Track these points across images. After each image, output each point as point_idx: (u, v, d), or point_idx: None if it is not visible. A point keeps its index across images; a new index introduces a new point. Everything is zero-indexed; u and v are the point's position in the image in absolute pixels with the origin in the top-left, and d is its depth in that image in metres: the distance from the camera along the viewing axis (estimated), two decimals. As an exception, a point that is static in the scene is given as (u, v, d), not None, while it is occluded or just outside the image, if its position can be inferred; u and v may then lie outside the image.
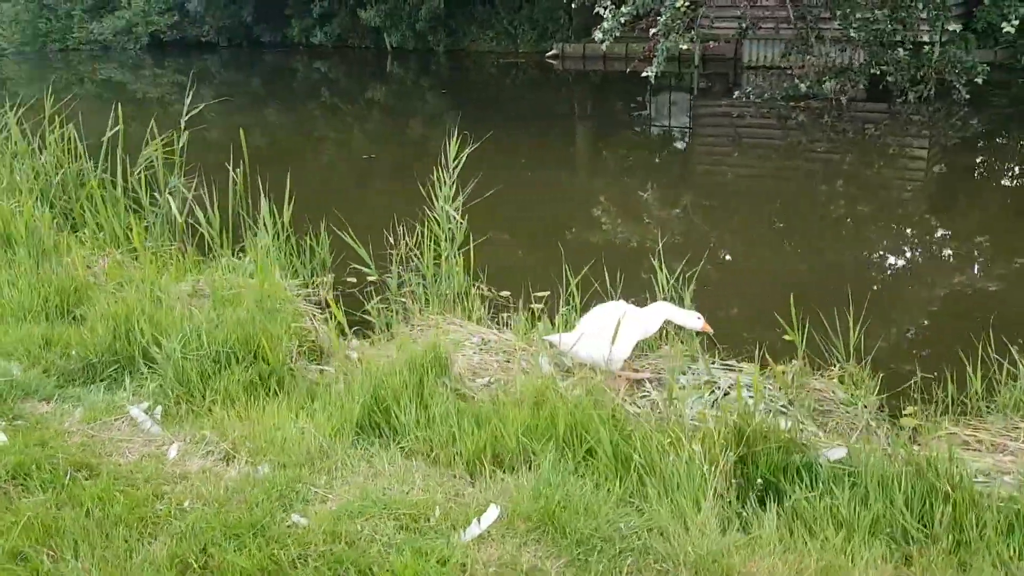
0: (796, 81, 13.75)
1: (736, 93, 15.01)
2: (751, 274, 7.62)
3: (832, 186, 11.13)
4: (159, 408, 4.07)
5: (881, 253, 8.23)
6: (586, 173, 12.58)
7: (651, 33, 12.57)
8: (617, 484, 3.30)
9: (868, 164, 12.09)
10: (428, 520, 3.05)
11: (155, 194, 7.31)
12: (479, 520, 3.01)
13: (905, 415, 4.41)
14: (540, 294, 5.80)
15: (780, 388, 4.73)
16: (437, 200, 6.17)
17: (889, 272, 7.74)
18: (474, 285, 6.14)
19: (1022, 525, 3.03)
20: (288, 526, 3.02)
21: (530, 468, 3.42)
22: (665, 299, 5.30)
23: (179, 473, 3.39)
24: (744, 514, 3.18)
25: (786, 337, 5.44)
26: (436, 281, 6.01)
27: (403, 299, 6.02)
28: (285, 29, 25.78)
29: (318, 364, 5.00)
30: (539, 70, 22.66)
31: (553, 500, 3.08)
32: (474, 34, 23.90)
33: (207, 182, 6.90)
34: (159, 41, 26.56)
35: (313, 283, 6.48)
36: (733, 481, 3.38)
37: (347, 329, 5.48)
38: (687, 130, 15.59)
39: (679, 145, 14.42)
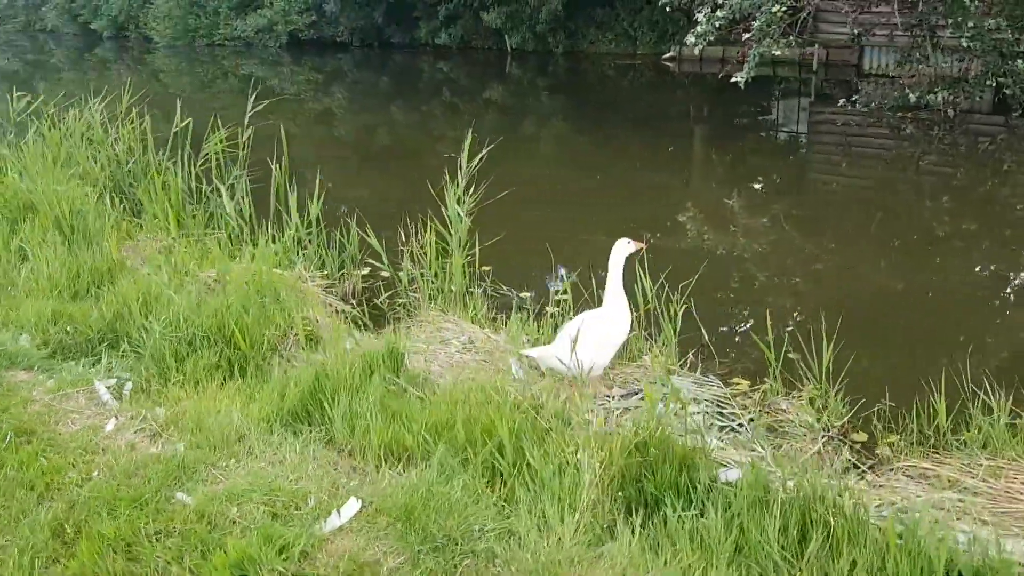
0: (906, 91, 13.03)
1: (847, 101, 14.37)
2: (815, 290, 7.30)
3: (938, 202, 10.49)
4: (128, 385, 4.38)
5: (979, 276, 7.64)
6: (694, 176, 12.32)
7: (744, 38, 12.23)
8: (500, 487, 3.32)
9: (980, 180, 11.33)
10: (300, 508, 3.17)
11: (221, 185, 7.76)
12: (339, 512, 3.11)
13: (855, 437, 4.21)
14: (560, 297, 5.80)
15: (744, 407, 4.59)
16: (446, 200, 6.28)
17: (979, 297, 7.20)
18: (480, 284, 6.24)
19: (896, 564, 2.85)
20: (170, 503, 3.21)
21: (428, 465, 3.48)
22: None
23: (105, 446, 3.65)
24: (616, 527, 3.13)
25: (790, 355, 5.28)
26: (442, 279, 6.13)
27: (414, 294, 6.18)
28: (413, 31, 26.56)
29: (313, 353, 5.22)
30: (656, 72, 22.41)
31: (417, 497, 3.13)
32: (593, 36, 23.89)
33: (316, 176, 7.08)
34: (297, 40, 27.92)
35: (340, 275, 6.74)
36: (619, 494, 3.33)
37: (365, 320, 5.74)
38: (800, 136, 15.05)
39: (789, 152, 13.92)
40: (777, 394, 4.68)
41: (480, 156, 6.58)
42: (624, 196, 10.48)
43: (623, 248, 4.84)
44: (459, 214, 6.15)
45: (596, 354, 4.63)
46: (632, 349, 5.23)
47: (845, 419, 4.41)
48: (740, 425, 4.44)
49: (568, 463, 3.34)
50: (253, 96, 7.98)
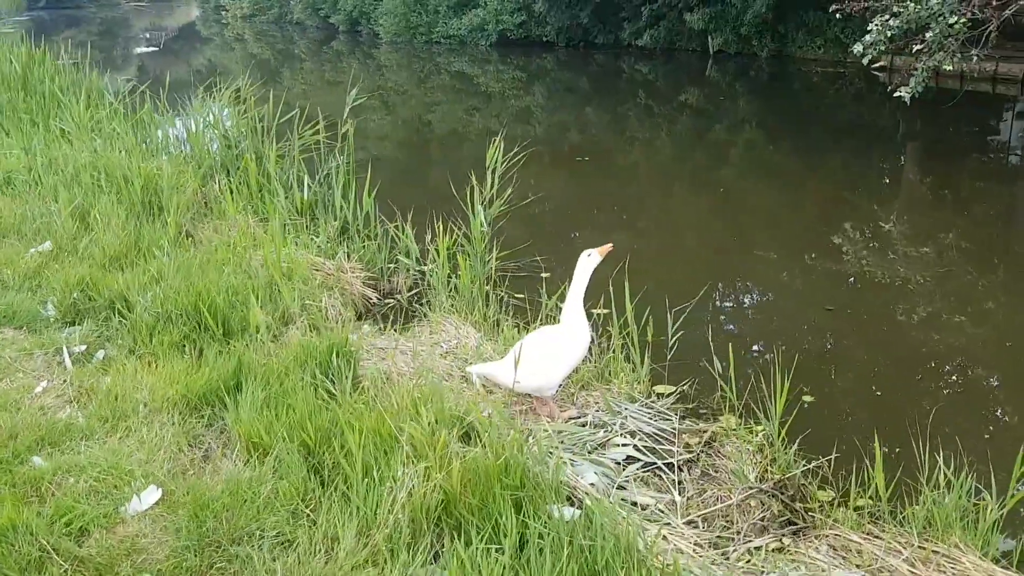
0: None
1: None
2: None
3: None
4: (101, 353, 4.72)
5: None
6: (897, 198, 11.16)
7: (914, 49, 11.05)
8: (319, 491, 3.25)
9: None
10: (119, 488, 3.28)
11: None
12: (140, 497, 3.17)
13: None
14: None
15: (687, 445, 4.20)
16: (473, 207, 6.19)
17: None
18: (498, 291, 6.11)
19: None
20: (22, 464, 3.43)
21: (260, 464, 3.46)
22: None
23: (22, 405, 3.96)
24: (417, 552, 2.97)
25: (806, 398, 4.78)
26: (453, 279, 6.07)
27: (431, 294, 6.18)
28: (618, 32, 26.35)
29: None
30: (866, 82, 20.76)
31: (222, 493, 3.13)
32: (801, 40, 22.53)
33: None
34: (506, 39, 28.57)
35: (391, 270, 6.86)
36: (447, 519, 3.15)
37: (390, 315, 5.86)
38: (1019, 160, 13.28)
39: (1020, 178, 12.35)
40: (727, 436, 4.22)
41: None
42: (813, 214, 9.80)
43: (587, 263, 4.55)
44: (483, 219, 6.05)
45: (545, 373, 4.40)
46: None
47: (781, 476, 3.90)
48: (669, 464, 4.05)
49: (392, 479, 3.20)
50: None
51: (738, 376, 4.89)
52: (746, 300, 7.41)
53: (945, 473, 3.55)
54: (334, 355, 4.32)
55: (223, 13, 48.01)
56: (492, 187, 6.35)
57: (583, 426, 4.37)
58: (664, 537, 3.41)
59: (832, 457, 3.99)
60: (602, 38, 27.04)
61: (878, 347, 6.19)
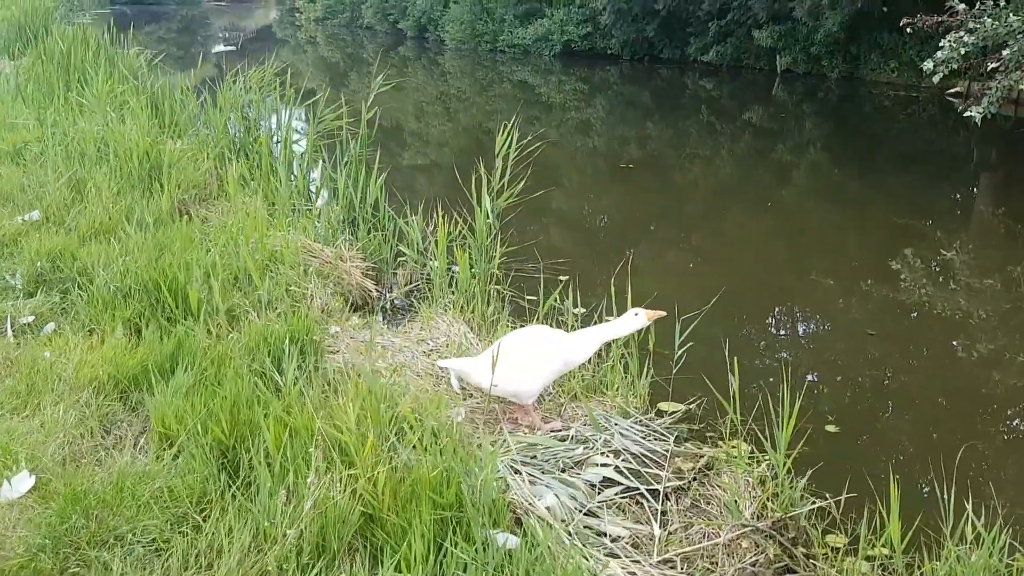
0: None
1: None
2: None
3: None
4: (50, 326, 4.36)
5: None
6: (967, 231, 10.26)
7: (989, 68, 10.27)
8: (219, 495, 2.79)
9: None
10: (3, 473, 2.86)
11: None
12: (11, 483, 2.75)
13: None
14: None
15: (678, 471, 3.64)
16: (481, 202, 5.71)
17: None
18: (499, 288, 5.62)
19: None
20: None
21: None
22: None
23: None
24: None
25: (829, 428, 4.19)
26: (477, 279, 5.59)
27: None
28: (684, 47, 25.75)
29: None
30: (939, 108, 19.78)
31: (98, 486, 2.69)
32: (874, 62, 21.62)
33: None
34: (570, 50, 28.16)
35: (394, 261, 6.43)
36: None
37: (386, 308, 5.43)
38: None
39: None
40: (727, 463, 3.64)
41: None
42: (875, 240, 9.06)
43: (631, 322, 4.06)
44: (489, 210, 5.57)
45: (522, 377, 3.89)
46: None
47: (782, 514, 3.30)
48: (655, 492, 3.49)
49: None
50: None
51: (754, 400, 4.31)
52: (781, 319, 6.78)
53: (974, 524, 2.93)
54: (287, 343, 3.85)
55: (297, 15, 48.71)
56: (502, 176, 5.86)
57: (563, 440, 3.83)
58: (627, 578, 2.86)
59: (844, 497, 3.38)
60: (668, 52, 26.45)
61: (924, 381, 5.53)
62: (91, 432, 3.26)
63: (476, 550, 2.56)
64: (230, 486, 2.86)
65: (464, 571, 2.47)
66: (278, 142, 7.72)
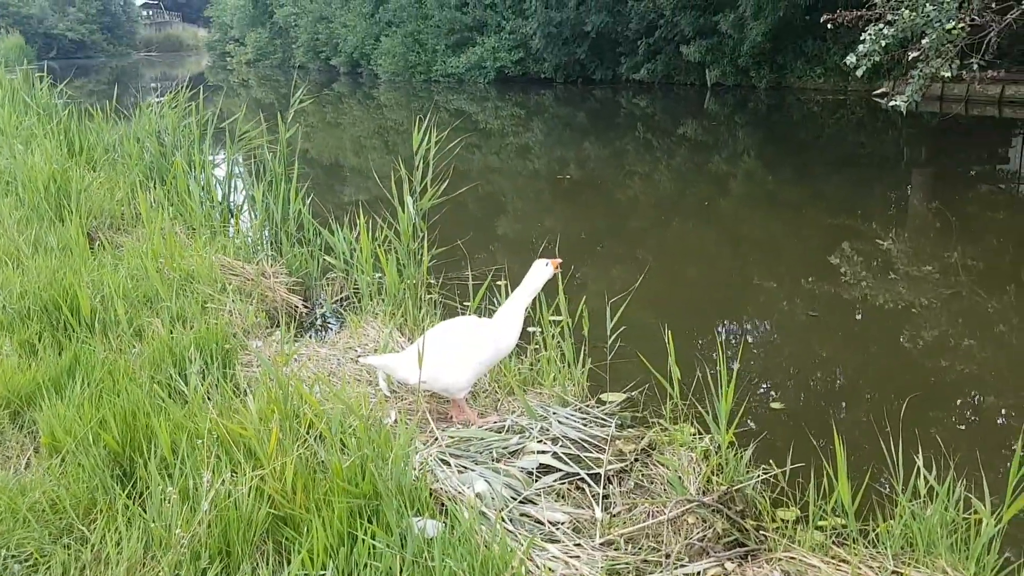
0: None
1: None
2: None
3: None
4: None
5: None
6: (902, 227, 10.05)
7: (910, 56, 10.41)
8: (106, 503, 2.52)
9: None
10: None
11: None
12: None
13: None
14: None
15: (619, 453, 3.44)
16: (403, 202, 5.51)
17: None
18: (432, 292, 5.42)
19: None
20: None
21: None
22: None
23: None
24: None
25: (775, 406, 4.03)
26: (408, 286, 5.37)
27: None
28: (616, 67, 26.05)
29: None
30: (867, 110, 20.20)
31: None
32: (800, 70, 22.06)
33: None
34: (504, 76, 28.33)
35: (320, 275, 6.19)
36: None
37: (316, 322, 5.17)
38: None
39: (1014, 207, 11.38)
40: (669, 443, 3.45)
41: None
42: (813, 240, 9.04)
43: (543, 271, 3.89)
44: (412, 211, 5.37)
45: (452, 370, 3.68)
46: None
47: (728, 487, 3.11)
48: (596, 476, 3.28)
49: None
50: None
51: (698, 384, 4.15)
52: (723, 314, 6.66)
53: (926, 479, 2.77)
54: (191, 351, 3.59)
55: (229, 59, 48.33)
56: (423, 176, 5.67)
57: (499, 432, 3.61)
58: (566, 562, 2.64)
59: (791, 467, 3.21)
60: (600, 73, 26.73)
61: (867, 359, 5.44)
62: (-26, 451, 2.97)
63: (392, 538, 2.32)
64: (123, 494, 2.59)
65: (378, 560, 2.23)
66: (195, 166, 7.44)
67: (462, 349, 3.72)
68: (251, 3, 43.79)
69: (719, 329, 6.32)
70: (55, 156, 6.83)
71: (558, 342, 4.29)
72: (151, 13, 74.65)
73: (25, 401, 3.35)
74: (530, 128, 22.60)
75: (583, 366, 4.12)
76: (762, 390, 4.73)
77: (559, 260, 3.98)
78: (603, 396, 4.32)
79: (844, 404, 4.73)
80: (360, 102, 29.86)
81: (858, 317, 6.39)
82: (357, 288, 5.81)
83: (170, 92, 8.34)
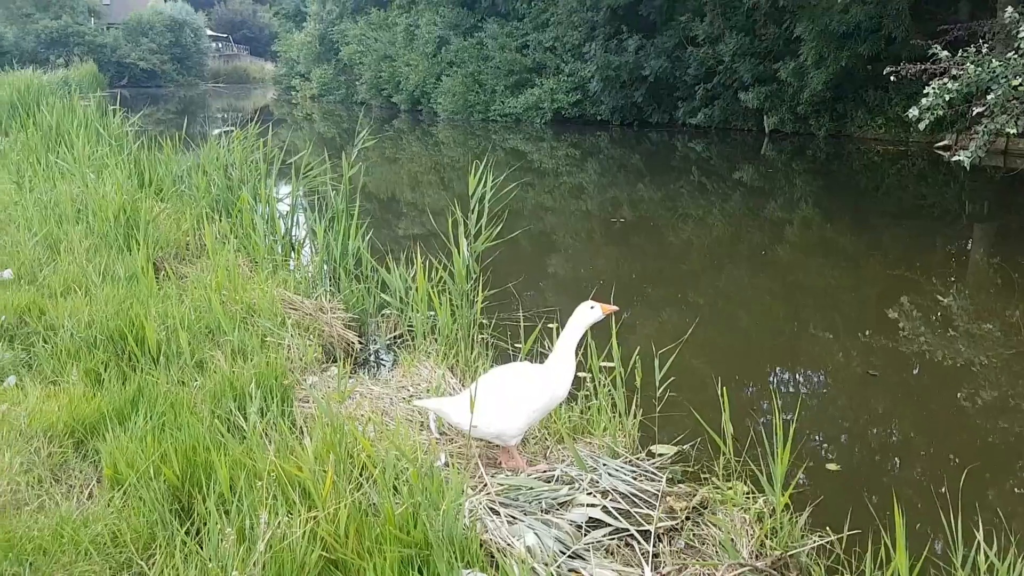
0: None
1: None
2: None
3: None
4: (12, 378, 4.17)
5: None
6: (962, 281, 9.93)
7: (974, 112, 10.27)
8: (166, 539, 2.57)
9: None
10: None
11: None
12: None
13: None
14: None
15: (670, 510, 3.40)
16: (459, 244, 5.58)
17: None
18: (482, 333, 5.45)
19: None
20: None
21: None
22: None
23: None
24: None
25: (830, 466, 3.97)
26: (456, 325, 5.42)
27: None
28: (672, 111, 26.12)
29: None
30: (928, 161, 19.89)
31: (37, 533, 2.48)
32: (861, 119, 21.85)
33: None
34: (561, 117, 28.57)
35: (361, 308, 6.26)
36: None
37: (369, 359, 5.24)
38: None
39: None
40: (722, 502, 3.41)
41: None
42: (870, 292, 8.92)
43: (587, 315, 3.89)
44: (467, 256, 5.43)
45: (505, 417, 3.69)
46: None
47: (782, 552, 3.06)
48: (645, 533, 3.25)
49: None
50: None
51: (752, 442, 4.10)
52: (778, 366, 6.57)
53: (987, 554, 2.70)
54: (252, 387, 3.66)
55: (294, 93, 49.58)
56: (479, 219, 5.74)
57: (548, 481, 3.61)
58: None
59: (847, 534, 3.15)
60: (656, 117, 26.81)
61: (927, 421, 5.32)
62: (38, 480, 3.05)
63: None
64: (182, 530, 2.65)
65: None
66: (260, 201, 7.64)
67: (515, 396, 3.74)
68: (318, 40, 44.96)
69: (772, 379, 6.24)
70: (126, 187, 7.06)
71: (609, 390, 4.28)
72: (220, 46, 77.06)
73: (89, 430, 3.45)
74: (584, 168, 22.70)
75: (634, 417, 4.10)
76: (817, 449, 4.65)
77: (614, 308, 3.97)
78: (653, 448, 4.29)
79: (902, 467, 4.62)
80: (419, 139, 30.35)
81: (916, 374, 6.26)
82: (411, 326, 5.87)
83: (239, 127, 8.59)
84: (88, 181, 7.26)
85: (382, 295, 6.08)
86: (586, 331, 3.94)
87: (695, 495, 3.49)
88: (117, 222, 6.30)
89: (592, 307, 3.92)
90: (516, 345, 5.57)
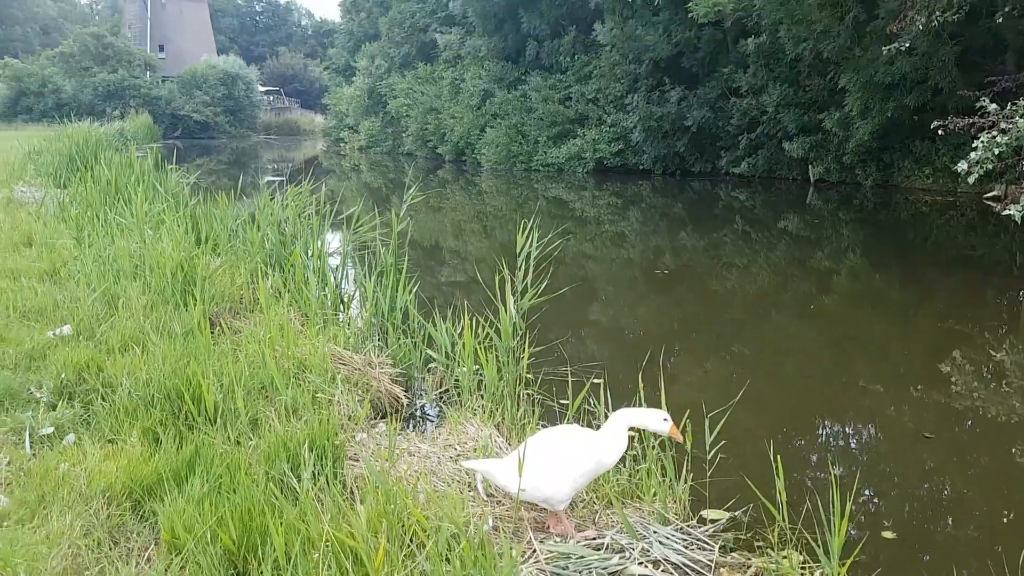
0: None
1: None
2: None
3: None
4: (71, 436, 4.27)
5: None
6: (1017, 335, 9.59)
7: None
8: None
9: None
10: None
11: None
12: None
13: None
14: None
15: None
16: (505, 302, 5.62)
17: None
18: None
19: None
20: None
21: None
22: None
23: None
24: None
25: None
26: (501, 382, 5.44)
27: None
28: (715, 160, 26.18)
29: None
30: (978, 212, 19.60)
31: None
32: (908, 169, 21.66)
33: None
34: (603, 167, 28.76)
35: (408, 364, 6.30)
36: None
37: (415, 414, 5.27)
38: None
39: None
40: (776, 573, 3.35)
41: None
42: (920, 345, 8.79)
43: (655, 421, 3.86)
44: (513, 313, 5.47)
45: (553, 481, 3.69)
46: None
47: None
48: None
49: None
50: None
51: (805, 507, 4.03)
52: (829, 424, 6.47)
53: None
54: (305, 449, 3.71)
55: (342, 144, 50.70)
56: (525, 276, 5.79)
57: (598, 549, 3.58)
58: None
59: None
60: (699, 166, 26.87)
61: (985, 486, 5.18)
62: (98, 543, 3.11)
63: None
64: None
65: None
66: (312, 255, 7.79)
67: (564, 460, 3.73)
68: (367, 94, 46.05)
69: (822, 436, 6.15)
70: (183, 244, 7.26)
71: (658, 455, 4.25)
72: (272, 99, 79.14)
73: (146, 491, 3.52)
74: (627, 217, 22.74)
75: (685, 483, 4.06)
76: (872, 514, 4.56)
77: (680, 438, 3.92)
78: (705, 513, 4.24)
79: (959, 532, 4.50)
80: (462, 188, 30.73)
81: (971, 433, 6.12)
82: (457, 382, 5.90)
83: (288, 178, 8.80)
84: (146, 237, 7.47)
85: (427, 350, 6.14)
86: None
87: (749, 566, 3.44)
88: (174, 278, 6.47)
89: (665, 419, 3.86)
90: (562, 401, 5.57)
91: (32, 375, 4.95)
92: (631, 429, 3.90)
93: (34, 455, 3.97)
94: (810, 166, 23.20)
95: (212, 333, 6.06)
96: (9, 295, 6.37)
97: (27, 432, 4.17)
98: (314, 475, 3.69)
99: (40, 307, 6.27)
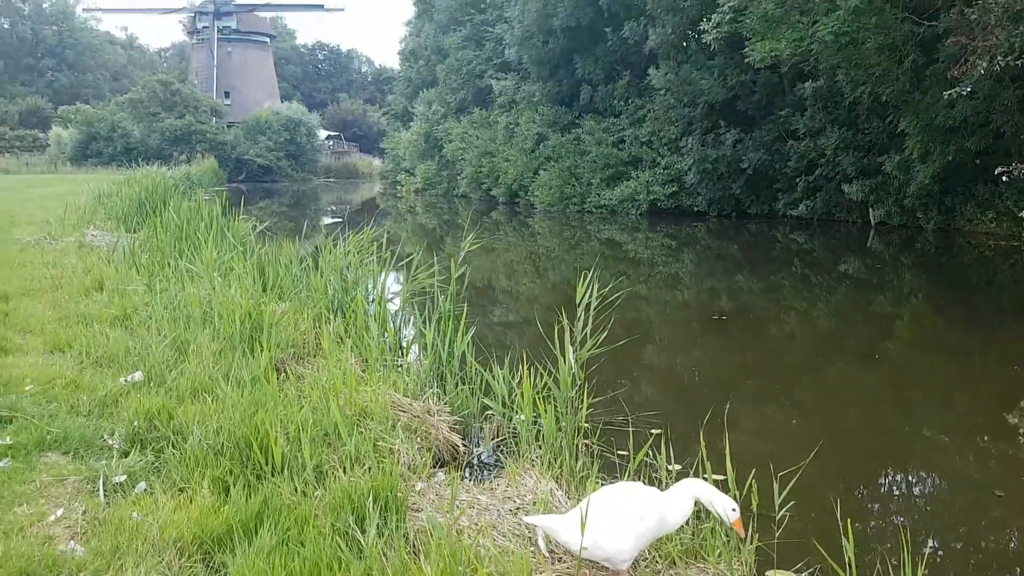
0: None
1: None
2: None
3: None
4: (142, 484, 4.38)
5: None
6: None
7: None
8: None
9: None
10: None
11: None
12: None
13: None
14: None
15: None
16: (564, 352, 5.64)
17: None
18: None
19: None
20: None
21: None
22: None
23: (24, 531, 3.61)
24: None
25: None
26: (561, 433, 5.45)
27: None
28: (772, 202, 25.98)
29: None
30: (1045, 256, 19.10)
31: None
32: (970, 213, 21.22)
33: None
34: (656, 208, 28.73)
35: (466, 411, 6.34)
36: None
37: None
38: None
39: None
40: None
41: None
42: (988, 393, 8.61)
43: (722, 506, 3.84)
44: (572, 361, 5.49)
45: (615, 538, 3.67)
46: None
47: None
48: None
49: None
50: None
51: (873, 567, 3.94)
52: (894, 478, 6.33)
53: None
54: (370, 502, 3.76)
55: (398, 187, 51.67)
56: (584, 326, 5.81)
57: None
58: None
59: None
60: (755, 208, 26.69)
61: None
62: (172, 594, 3.20)
63: None
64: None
65: None
66: (373, 301, 7.93)
67: (626, 518, 3.71)
68: (423, 139, 47.01)
69: (886, 489, 6.01)
70: (251, 291, 7.46)
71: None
72: (332, 143, 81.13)
73: (216, 542, 3.60)
74: (681, 259, 22.62)
75: (751, 543, 4.01)
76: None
77: (743, 534, 3.90)
78: (770, 574, 4.17)
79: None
80: (515, 229, 30.94)
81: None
82: (515, 431, 5.92)
83: (346, 219, 8.99)
84: (215, 284, 7.69)
85: (484, 399, 6.18)
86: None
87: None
88: (243, 325, 6.64)
89: (734, 509, 3.82)
90: (620, 452, 5.55)
91: (105, 422, 5.10)
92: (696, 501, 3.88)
93: (107, 504, 4.09)
94: (871, 209, 22.89)
95: (277, 379, 6.19)
96: (83, 340, 6.59)
97: (100, 480, 4.29)
98: (379, 530, 3.73)
99: (112, 353, 6.47)
